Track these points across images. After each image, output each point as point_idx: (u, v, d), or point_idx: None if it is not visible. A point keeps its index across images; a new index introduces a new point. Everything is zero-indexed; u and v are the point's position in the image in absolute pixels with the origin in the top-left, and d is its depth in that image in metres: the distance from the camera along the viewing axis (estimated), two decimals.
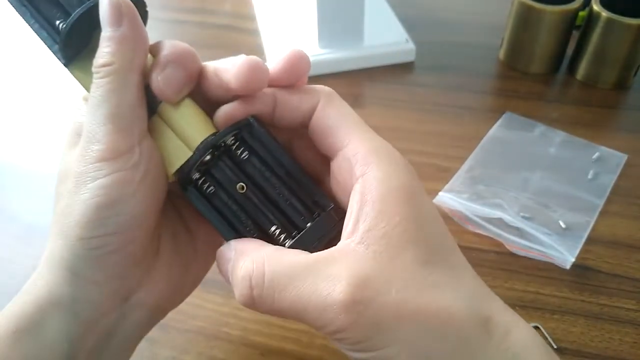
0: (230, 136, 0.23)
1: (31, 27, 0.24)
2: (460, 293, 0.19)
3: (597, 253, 0.37)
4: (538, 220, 0.38)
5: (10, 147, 0.48)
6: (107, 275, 0.22)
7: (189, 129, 0.23)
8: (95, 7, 0.22)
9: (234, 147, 0.23)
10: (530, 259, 0.36)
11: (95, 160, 0.21)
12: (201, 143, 0.23)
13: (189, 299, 0.29)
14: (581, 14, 0.52)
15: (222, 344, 0.33)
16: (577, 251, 0.36)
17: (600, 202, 0.40)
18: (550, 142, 0.45)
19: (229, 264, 0.22)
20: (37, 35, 0.24)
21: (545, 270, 0.36)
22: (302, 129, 0.24)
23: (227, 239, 0.23)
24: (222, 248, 0.23)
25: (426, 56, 0.54)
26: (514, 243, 0.37)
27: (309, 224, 0.23)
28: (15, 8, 0.25)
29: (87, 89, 0.23)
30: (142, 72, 0.22)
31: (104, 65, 0.21)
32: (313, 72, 0.52)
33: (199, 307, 0.34)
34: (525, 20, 0.50)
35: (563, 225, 0.38)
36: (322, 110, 0.23)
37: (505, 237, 0.37)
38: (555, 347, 0.32)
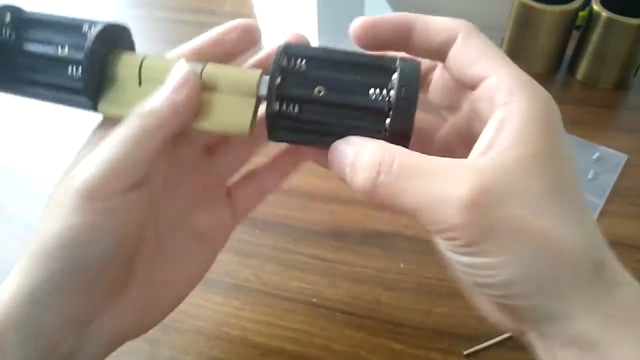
0: (283, 56, 0.23)
1: (45, 99, 0.25)
2: (580, 231, 0.19)
3: None
4: None
5: (10, 148, 0.48)
6: (65, 305, 0.22)
7: (242, 77, 0.23)
8: (98, 40, 0.24)
9: (291, 64, 0.23)
10: None
11: (73, 195, 0.21)
12: (260, 76, 0.23)
13: (189, 299, 0.29)
14: (581, 14, 0.52)
15: (222, 344, 0.33)
16: None
17: (601, 202, 0.40)
18: None
19: (347, 158, 0.22)
20: (54, 102, 0.25)
21: None
22: (437, 59, 0.24)
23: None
24: (337, 144, 0.22)
25: None
26: None
27: (398, 70, 0.22)
28: (20, 94, 0.25)
29: (120, 118, 0.23)
30: (173, 137, 0.23)
31: (144, 116, 0.22)
32: None
33: (199, 307, 0.34)
34: (525, 21, 0.50)
35: None
36: (465, 40, 0.23)
37: None
38: None
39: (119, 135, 0.22)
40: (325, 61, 0.23)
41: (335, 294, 0.35)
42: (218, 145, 0.29)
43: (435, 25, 0.23)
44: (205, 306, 0.34)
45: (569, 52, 0.52)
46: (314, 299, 0.34)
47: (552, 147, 0.20)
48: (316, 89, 0.22)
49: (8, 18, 0.24)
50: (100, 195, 0.21)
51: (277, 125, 0.23)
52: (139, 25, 0.63)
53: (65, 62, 0.24)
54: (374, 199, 0.21)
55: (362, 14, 0.52)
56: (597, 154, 0.43)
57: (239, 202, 0.29)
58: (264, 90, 0.23)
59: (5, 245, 0.39)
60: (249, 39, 0.27)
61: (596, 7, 0.48)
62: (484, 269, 0.19)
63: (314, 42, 0.53)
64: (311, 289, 0.35)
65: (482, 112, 0.22)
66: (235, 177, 0.30)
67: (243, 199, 0.29)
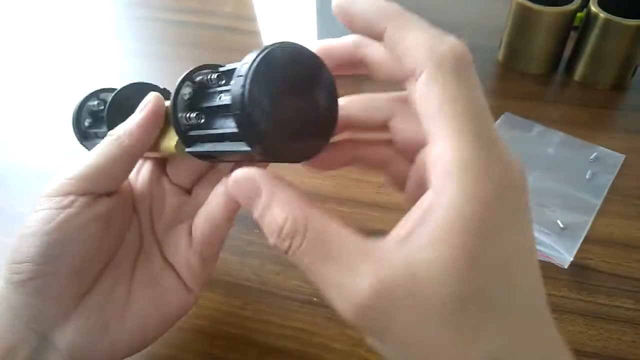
0: (192, 74, 0.24)
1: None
2: (479, 349, 0.17)
3: (595, 252, 0.37)
4: (536, 220, 0.39)
5: (12, 146, 0.48)
6: (23, 303, 0.24)
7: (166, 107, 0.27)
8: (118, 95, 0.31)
9: (205, 78, 0.24)
10: None
11: (41, 195, 0.25)
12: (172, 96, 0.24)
13: None
14: (579, 15, 0.52)
15: (223, 343, 0.33)
16: (575, 251, 0.37)
17: (598, 202, 0.40)
18: (549, 142, 0.45)
19: (258, 200, 0.20)
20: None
21: (543, 269, 0.35)
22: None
23: (245, 152, 0.21)
24: (243, 173, 0.20)
25: None
26: None
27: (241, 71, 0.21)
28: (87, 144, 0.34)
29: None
30: (133, 152, 0.26)
31: (109, 134, 0.26)
32: None
33: (199, 306, 0.34)
34: (523, 22, 0.50)
35: (561, 225, 0.38)
36: (422, 86, 0.18)
37: None
38: None
39: (90, 152, 0.26)
40: (227, 72, 0.23)
41: None
42: (193, 182, 0.30)
43: (405, 43, 0.19)
44: (206, 305, 0.34)
45: (567, 53, 0.53)
46: (314, 298, 0.35)
47: (481, 252, 0.17)
48: (217, 97, 0.23)
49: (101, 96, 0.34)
50: (57, 193, 0.25)
51: (189, 136, 0.24)
52: (139, 26, 0.63)
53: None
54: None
55: None
56: (594, 154, 0.44)
57: (196, 235, 0.28)
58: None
59: (8, 245, 0.39)
60: None
61: (594, 8, 0.48)
62: (379, 350, 0.19)
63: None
64: (311, 289, 0.35)
65: (419, 182, 0.19)
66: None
67: (197, 232, 0.28)
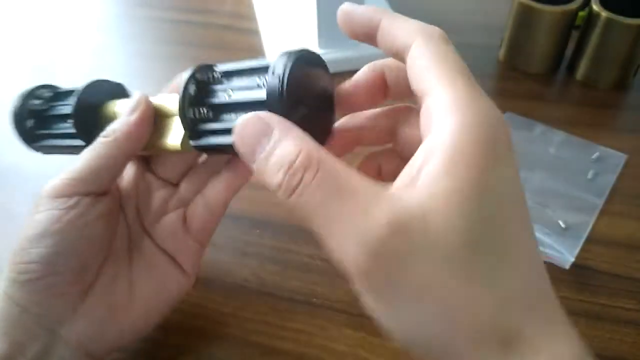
0: (196, 71, 0.25)
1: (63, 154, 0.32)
2: (491, 296, 0.17)
3: (596, 253, 0.37)
4: (538, 220, 0.38)
5: (13, 147, 0.48)
6: (31, 301, 0.25)
7: (167, 101, 0.27)
8: (77, 115, 0.29)
9: (207, 77, 0.25)
10: None
11: (43, 195, 0.25)
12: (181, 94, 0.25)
13: (189, 299, 0.29)
14: (581, 14, 0.52)
15: (222, 344, 0.33)
16: (577, 251, 0.36)
17: (600, 202, 0.40)
18: (550, 142, 0.45)
19: (269, 139, 0.19)
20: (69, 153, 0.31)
21: None
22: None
23: None
24: (248, 119, 0.20)
25: None
26: None
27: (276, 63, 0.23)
28: (46, 152, 0.33)
29: None
30: (129, 152, 0.27)
31: (102, 136, 0.27)
32: None
33: (199, 306, 0.34)
34: (524, 21, 0.50)
35: (563, 225, 0.38)
36: (417, 50, 0.20)
37: None
38: None
39: (85, 152, 0.26)
40: (229, 72, 0.25)
41: (335, 294, 0.35)
42: (182, 176, 0.31)
43: (397, 27, 0.21)
44: (206, 306, 0.34)
45: (569, 52, 0.52)
46: (314, 299, 0.34)
47: (484, 182, 0.17)
48: (225, 94, 0.24)
49: (45, 92, 0.33)
50: (61, 194, 0.25)
51: (197, 130, 0.25)
52: (139, 25, 0.63)
53: (70, 136, 0.30)
54: (286, 204, 0.18)
55: None
56: (596, 154, 0.44)
57: (192, 222, 0.30)
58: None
59: (7, 244, 0.38)
60: None
61: (595, 7, 0.48)
62: (383, 317, 0.18)
63: (314, 42, 0.53)
64: (311, 289, 0.35)
65: (423, 133, 0.19)
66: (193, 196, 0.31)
67: (195, 218, 0.30)
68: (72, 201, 0.25)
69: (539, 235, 0.37)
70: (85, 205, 0.26)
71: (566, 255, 0.36)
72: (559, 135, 0.45)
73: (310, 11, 0.52)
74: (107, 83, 0.31)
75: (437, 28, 0.21)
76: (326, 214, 0.17)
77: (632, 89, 0.50)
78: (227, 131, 0.23)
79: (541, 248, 0.37)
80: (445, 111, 0.18)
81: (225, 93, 0.24)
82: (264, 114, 0.20)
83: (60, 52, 0.59)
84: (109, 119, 0.28)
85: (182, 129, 0.25)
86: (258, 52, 0.56)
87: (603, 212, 0.39)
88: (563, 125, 0.46)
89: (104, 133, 0.27)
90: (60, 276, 0.25)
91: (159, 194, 0.31)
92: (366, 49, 0.52)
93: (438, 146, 0.17)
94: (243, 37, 0.59)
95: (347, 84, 0.24)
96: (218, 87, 0.25)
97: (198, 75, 0.25)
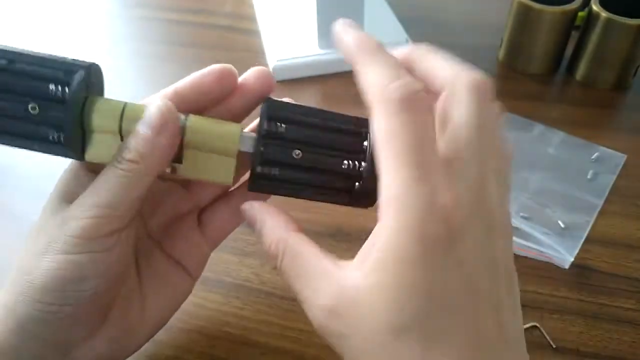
0: (264, 121, 0.24)
1: (37, 150, 0.24)
2: None
3: (596, 253, 0.37)
4: (537, 220, 0.38)
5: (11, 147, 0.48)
6: (53, 334, 0.23)
7: (224, 131, 0.24)
8: (72, 108, 0.22)
9: (272, 127, 0.24)
10: (529, 258, 0.37)
11: (72, 234, 0.22)
12: (239, 137, 0.24)
13: (190, 299, 0.29)
14: (580, 14, 0.52)
15: (223, 343, 0.33)
16: (576, 251, 0.37)
17: (599, 202, 0.40)
18: (550, 142, 0.45)
19: (255, 227, 0.24)
20: (48, 154, 0.24)
21: (544, 270, 0.36)
22: None
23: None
24: (246, 210, 0.25)
25: None
26: (513, 243, 0.37)
27: (365, 143, 0.24)
28: (15, 145, 0.24)
29: (105, 162, 0.23)
30: (160, 173, 0.24)
31: (130, 160, 0.22)
32: (313, 72, 0.52)
33: (200, 306, 0.34)
34: (524, 21, 0.50)
35: (562, 225, 0.38)
36: (373, 122, 0.20)
37: None
38: (554, 346, 0.32)
39: (113, 179, 0.22)
40: (303, 124, 0.24)
41: None
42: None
43: (361, 81, 0.22)
44: (206, 306, 0.34)
45: (568, 52, 0.52)
46: None
47: (411, 280, 0.18)
48: (294, 152, 0.24)
49: None
50: (100, 235, 0.22)
51: (258, 183, 0.25)
52: (139, 26, 0.63)
53: (46, 124, 0.23)
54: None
55: (361, 14, 0.52)
56: (596, 154, 0.44)
57: (211, 227, 0.29)
58: (244, 147, 0.25)
59: (9, 245, 0.39)
60: (227, 84, 0.26)
61: (595, 7, 0.48)
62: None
63: (314, 42, 0.53)
64: None
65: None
66: (207, 201, 0.30)
67: (216, 224, 0.29)
68: (112, 241, 0.23)
69: (538, 235, 0.37)
70: (123, 242, 0.23)
71: (565, 255, 0.36)
72: (558, 136, 0.45)
73: (310, 11, 0.52)
74: (87, 72, 0.23)
75: (401, 85, 0.20)
76: (293, 288, 0.22)
77: (631, 89, 0.51)
78: (286, 187, 0.25)
79: (541, 248, 0.37)
80: (388, 205, 0.19)
81: (292, 149, 0.24)
82: (251, 205, 0.24)
83: (60, 52, 0.59)
84: (105, 124, 0.23)
85: (232, 169, 0.24)
86: (258, 52, 0.56)
87: (602, 212, 0.39)
88: (562, 126, 0.46)
89: (129, 157, 0.22)
90: (92, 311, 0.24)
91: (170, 198, 0.29)
92: None
93: (378, 241, 0.19)
94: (243, 37, 0.59)
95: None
96: (283, 143, 0.24)
97: (264, 126, 0.24)
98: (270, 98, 0.25)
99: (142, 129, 0.22)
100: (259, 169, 0.24)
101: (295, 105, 0.25)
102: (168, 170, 0.25)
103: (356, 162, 0.24)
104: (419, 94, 0.20)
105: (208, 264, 0.30)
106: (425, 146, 0.19)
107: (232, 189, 0.30)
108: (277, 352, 0.32)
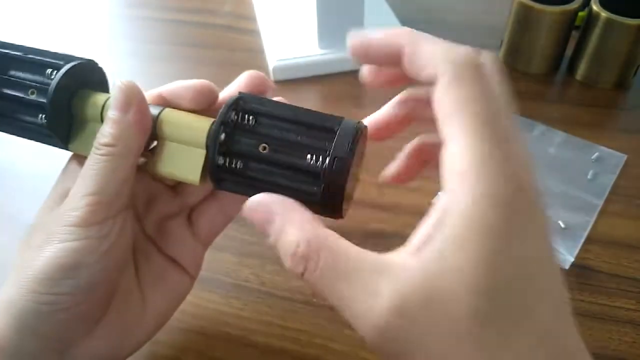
0: (231, 111, 0.23)
1: (20, 136, 0.26)
2: (502, 358, 0.16)
3: (596, 253, 0.37)
4: None
5: (11, 147, 0.48)
6: (51, 329, 0.23)
7: (195, 125, 0.24)
8: (60, 89, 0.24)
9: (239, 119, 0.23)
10: None
11: (68, 224, 0.22)
12: (209, 129, 0.23)
13: (189, 299, 0.29)
14: (581, 14, 0.52)
15: (223, 344, 0.33)
16: (577, 251, 0.36)
17: (600, 202, 0.40)
18: (550, 142, 0.45)
19: (270, 230, 0.20)
20: (30, 140, 0.26)
21: None
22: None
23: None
24: (255, 203, 0.21)
25: None
26: None
27: (334, 139, 0.22)
28: (8, 132, 0.27)
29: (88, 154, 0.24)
30: (139, 153, 0.24)
31: (105, 145, 0.23)
32: (313, 72, 0.52)
33: (199, 306, 0.34)
34: (524, 21, 0.50)
35: (562, 225, 0.38)
36: (443, 91, 0.19)
37: None
38: None
39: (95, 166, 0.23)
40: (273, 118, 0.23)
41: None
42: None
43: (421, 55, 0.20)
44: (206, 306, 0.34)
45: (569, 52, 0.52)
46: (314, 299, 0.34)
47: (493, 260, 0.16)
48: (261, 146, 0.23)
49: None
50: (95, 222, 0.23)
51: (221, 178, 0.23)
52: (138, 25, 0.63)
53: (33, 107, 0.25)
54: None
55: (362, 14, 0.52)
56: (596, 154, 0.44)
57: (201, 226, 0.29)
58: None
59: (7, 245, 0.39)
60: (201, 100, 0.26)
61: (595, 7, 0.48)
62: None
63: (314, 42, 0.53)
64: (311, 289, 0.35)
65: (441, 180, 0.19)
66: (196, 201, 0.30)
67: (205, 223, 0.29)
68: (106, 228, 0.23)
69: None
70: (118, 229, 0.23)
71: (566, 255, 0.36)
72: (558, 136, 0.45)
73: (310, 11, 0.52)
74: (81, 65, 0.26)
75: (465, 54, 0.19)
76: (335, 295, 0.18)
77: (632, 89, 0.50)
78: (252, 185, 0.23)
79: None
80: (461, 173, 0.17)
81: (259, 143, 0.23)
82: (266, 200, 0.21)
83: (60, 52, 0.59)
84: (89, 114, 0.25)
85: (201, 164, 0.24)
86: (258, 52, 0.56)
87: (603, 212, 0.39)
88: (563, 126, 0.46)
89: (104, 141, 0.23)
90: (89, 304, 0.24)
91: (161, 198, 0.29)
92: None
93: (451, 214, 0.17)
94: (243, 37, 0.59)
95: (377, 122, 0.24)
96: (249, 135, 0.23)
97: (230, 116, 0.23)
98: (242, 92, 0.24)
99: (110, 113, 0.23)
100: (219, 159, 0.23)
101: (266, 99, 0.24)
102: (142, 160, 0.26)
103: (320, 157, 0.22)
104: (482, 60, 0.19)
105: (207, 264, 0.30)
106: (501, 115, 0.18)
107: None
108: (277, 353, 0.32)
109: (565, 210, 0.39)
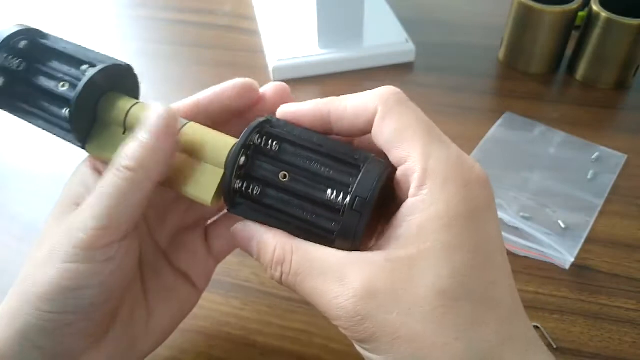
0: (255, 134, 0.22)
1: (40, 127, 0.26)
2: (460, 341, 0.18)
3: (596, 253, 0.37)
4: (537, 220, 0.38)
5: (11, 147, 0.48)
6: (55, 344, 0.23)
7: (216, 143, 0.23)
8: (90, 85, 0.24)
9: (262, 143, 0.22)
10: (529, 259, 0.37)
11: (73, 245, 0.22)
12: (230, 150, 0.22)
13: None
14: (581, 14, 0.52)
15: (223, 344, 0.33)
16: (577, 251, 0.36)
17: (600, 202, 0.40)
18: (550, 142, 0.45)
19: (252, 249, 0.23)
20: (49, 133, 0.26)
21: (544, 270, 0.36)
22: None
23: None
24: (238, 230, 0.23)
25: (426, 56, 0.54)
26: (514, 243, 0.37)
27: (359, 176, 0.21)
28: (19, 117, 0.26)
29: (105, 160, 0.24)
30: (158, 180, 0.23)
31: (127, 168, 0.22)
32: (313, 72, 0.52)
33: (199, 306, 0.34)
34: (524, 21, 0.50)
35: (562, 225, 0.38)
36: (379, 125, 0.22)
37: (504, 237, 0.37)
38: (554, 347, 0.32)
39: (111, 188, 0.22)
40: (298, 147, 0.22)
41: None
42: None
43: (351, 109, 0.22)
44: (206, 306, 0.34)
45: (569, 52, 0.52)
46: None
47: (452, 242, 0.19)
48: (281, 174, 0.22)
49: (22, 45, 0.25)
50: (100, 246, 0.22)
51: (236, 202, 0.23)
52: (139, 25, 0.63)
53: (60, 100, 0.25)
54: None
55: (361, 14, 0.52)
56: (596, 154, 0.44)
57: (217, 241, 0.29)
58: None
59: (6, 245, 0.39)
60: (248, 96, 0.26)
61: (595, 7, 0.48)
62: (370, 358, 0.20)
63: (314, 42, 0.53)
64: None
65: (402, 195, 0.21)
66: (214, 214, 0.30)
67: (219, 240, 0.29)
68: (111, 252, 0.22)
69: (539, 235, 0.37)
70: (123, 252, 0.23)
71: (566, 255, 0.36)
72: (558, 136, 0.45)
73: (310, 11, 0.52)
74: (116, 67, 0.25)
75: (389, 90, 0.22)
76: (309, 291, 0.20)
77: (632, 89, 0.50)
78: (267, 214, 0.22)
79: (541, 248, 0.37)
80: (422, 177, 0.20)
81: (280, 170, 0.22)
82: (246, 224, 0.23)
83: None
84: (113, 117, 0.25)
85: (216, 184, 0.23)
86: (258, 52, 0.56)
87: (603, 212, 0.39)
88: (563, 126, 0.46)
89: (126, 164, 0.22)
90: (93, 322, 0.23)
91: (178, 209, 0.28)
92: (366, 49, 0.53)
93: (412, 213, 0.20)
94: (243, 37, 0.59)
95: (290, 113, 0.24)
96: (271, 162, 0.22)
97: (253, 139, 0.22)
98: (270, 116, 0.23)
99: (140, 135, 0.22)
100: (237, 183, 0.22)
101: (292, 125, 0.23)
102: None
103: (341, 194, 0.21)
104: (400, 91, 0.22)
105: None
106: (434, 126, 0.22)
107: None
108: (277, 352, 0.32)
109: (565, 211, 0.39)
